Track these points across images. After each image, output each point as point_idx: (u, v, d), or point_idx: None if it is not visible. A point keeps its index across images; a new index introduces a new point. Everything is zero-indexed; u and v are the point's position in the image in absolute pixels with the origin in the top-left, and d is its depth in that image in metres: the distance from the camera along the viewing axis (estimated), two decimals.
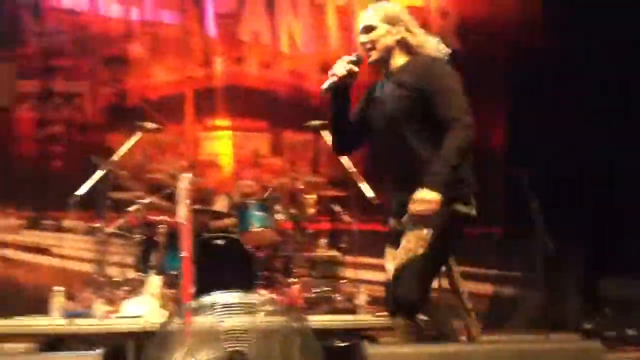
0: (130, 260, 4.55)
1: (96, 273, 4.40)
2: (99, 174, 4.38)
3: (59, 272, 5.29)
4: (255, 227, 4.48)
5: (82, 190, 4.29)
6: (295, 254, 4.53)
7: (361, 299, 4.32)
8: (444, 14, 5.91)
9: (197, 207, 4.43)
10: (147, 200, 4.52)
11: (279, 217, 4.59)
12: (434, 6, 5.98)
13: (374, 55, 2.79)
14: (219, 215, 4.85)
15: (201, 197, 4.89)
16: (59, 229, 5.38)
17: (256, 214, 4.51)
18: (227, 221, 4.73)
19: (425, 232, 2.60)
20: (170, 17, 5.73)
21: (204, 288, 3.99)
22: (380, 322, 3.72)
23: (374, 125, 2.80)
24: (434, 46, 2.80)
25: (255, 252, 4.40)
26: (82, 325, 3.79)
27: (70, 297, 4.25)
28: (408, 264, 2.59)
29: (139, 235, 4.48)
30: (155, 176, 4.94)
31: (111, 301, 4.15)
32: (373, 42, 2.79)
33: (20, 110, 5.47)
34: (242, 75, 5.77)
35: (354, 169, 4.45)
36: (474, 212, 2.69)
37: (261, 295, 1.99)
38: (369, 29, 2.80)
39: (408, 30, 2.79)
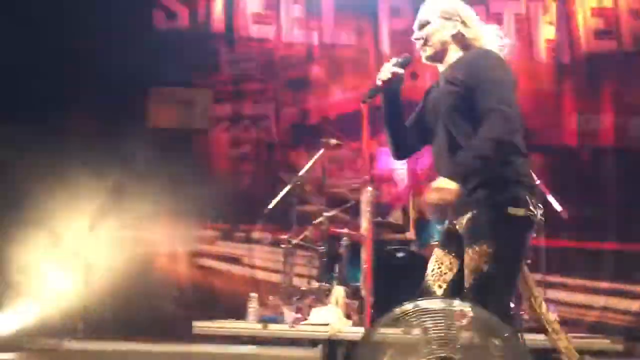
0: (315, 271, 4.79)
1: (284, 283, 4.69)
2: (286, 189, 4.69)
3: (250, 281, 5.71)
4: (436, 241, 4.49)
5: (272, 204, 4.62)
6: None
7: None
8: (635, 13, 5.51)
9: (376, 220, 4.56)
10: (330, 214, 4.74)
11: None
12: (624, 7, 5.61)
13: (428, 51, 2.63)
14: (397, 228, 4.94)
15: (378, 210, 5.01)
16: (249, 241, 5.81)
17: (437, 228, 4.52)
18: (408, 235, 4.80)
19: (487, 246, 2.33)
20: (347, 38, 5.97)
21: (384, 299, 4.14)
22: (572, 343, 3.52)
23: (430, 127, 2.60)
24: (492, 38, 2.58)
25: None
26: (276, 329, 4.08)
27: (261, 303, 4.56)
28: (478, 284, 2.33)
29: (322, 247, 4.70)
30: (336, 190, 5.17)
31: (299, 309, 4.40)
32: (427, 37, 2.63)
33: (216, 132, 6.01)
34: (416, 90, 5.82)
35: (538, 181, 4.29)
36: (535, 215, 2.37)
37: (462, 304, 1.96)
38: (423, 24, 2.63)
39: (464, 24, 2.59)
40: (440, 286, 2.54)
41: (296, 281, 4.86)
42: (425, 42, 2.63)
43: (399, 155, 2.87)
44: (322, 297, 4.47)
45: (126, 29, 5.63)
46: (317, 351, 2.53)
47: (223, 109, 6.02)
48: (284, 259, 4.72)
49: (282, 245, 4.73)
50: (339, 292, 4.37)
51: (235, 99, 6.01)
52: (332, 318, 4.20)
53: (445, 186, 2.33)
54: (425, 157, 5.80)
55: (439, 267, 2.57)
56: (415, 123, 2.74)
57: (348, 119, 5.89)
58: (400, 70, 2.66)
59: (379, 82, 2.68)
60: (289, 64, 6.00)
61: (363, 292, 4.24)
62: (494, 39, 2.60)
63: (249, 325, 4.25)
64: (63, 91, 5.51)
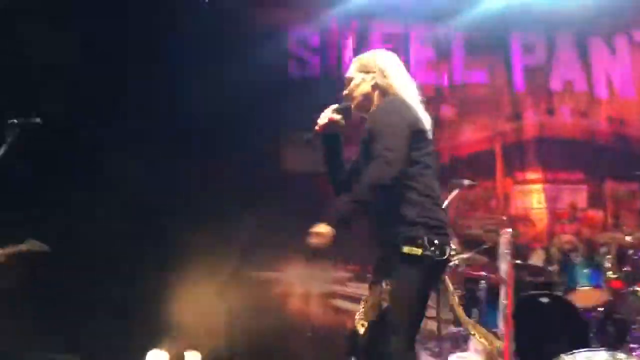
0: (451, 315, 4.66)
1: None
2: None
3: None
4: (583, 285, 4.23)
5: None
6: (631, 317, 4.13)
7: None
8: None
9: (516, 262, 4.38)
10: (466, 256, 4.62)
11: (610, 275, 4.26)
12: None
13: (353, 103, 2.86)
14: (537, 271, 4.71)
15: (516, 252, 4.82)
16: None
17: (584, 272, 4.26)
18: (551, 278, 4.56)
19: (385, 283, 2.52)
20: (479, 77, 5.91)
21: (526, 346, 3.94)
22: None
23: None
24: (404, 84, 2.78)
25: (584, 313, 4.15)
26: None
27: None
28: (377, 321, 2.49)
29: (458, 290, 4.58)
30: (470, 232, 5.04)
31: (436, 354, 4.29)
32: (350, 92, 2.88)
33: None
34: (554, 126, 5.63)
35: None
36: (432, 255, 2.47)
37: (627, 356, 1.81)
38: (348, 81, 2.89)
39: (382, 74, 2.79)
40: (362, 325, 2.62)
41: (431, 325, 4.75)
42: (350, 95, 2.89)
43: (337, 193, 2.96)
44: (460, 342, 4.33)
45: (263, 80, 5.95)
46: None
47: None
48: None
49: None
50: (478, 337, 4.20)
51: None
52: None
53: (321, 231, 2.55)
54: (565, 195, 5.55)
55: (363, 305, 2.69)
56: (353, 166, 2.92)
57: (480, 158, 5.78)
58: (337, 117, 2.87)
59: (316, 127, 2.87)
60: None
61: (503, 338, 4.07)
62: (406, 84, 2.82)
63: None
64: (215, 138, 5.88)
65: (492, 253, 4.60)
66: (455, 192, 4.77)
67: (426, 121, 2.80)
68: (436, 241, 2.54)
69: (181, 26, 5.80)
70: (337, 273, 5.94)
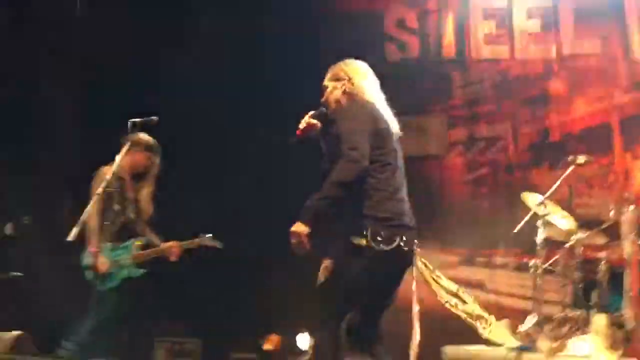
0: (568, 298, 4.47)
1: (534, 310, 4.44)
2: (531, 212, 4.47)
3: (495, 307, 5.52)
4: None
5: (518, 228, 4.43)
6: None
7: None
8: None
9: None
10: (582, 236, 4.40)
11: None
12: None
13: (329, 109, 3.08)
14: None
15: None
16: (491, 265, 5.64)
17: None
18: None
19: (327, 262, 2.81)
20: (590, 46, 5.57)
21: None
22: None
23: None
24: (370, 88, 3.07)
25: None
26: (531, 359, 3.88)
27: (512, 331, 4.38)
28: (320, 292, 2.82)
29: (576, 273, 4.38)
30: (586, 211, 4.80)
31: (554, 338, 4.13)
32: (325, 100, 3.14)
33: (451, 157, 5.99)
34: None
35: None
36: (378, 245, 2.69)
37: None
38: (324, 89, 3.17)
39: (350, 81, 3.08)
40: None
41: (548, 308, 4.57)
42: (325, 102, 3.14)
43: None
44: (580, 326, 4.15)
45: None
46: None
47: (458, 133, 5.98)
48: (533, 285, 4.48)
49: (531, 271, 4.50)
50: (600, 321, 4.00)
51: (471, 122, 5.94)
52: (593, 349, 3.87)
53: (295, 229, 2.72)
54: None
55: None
56: (322, 165, 3.06)
57: (595, 133, 5.46)
58: (314, 121, 3.10)
59: (297, 131, 3.11)
60: (525, 81, 5.77)
61: (628, 322, 3.86)
62: (372, 89, 3.10)
63: (501, 354, 4.10)
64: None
65: (612, 232, 4.37)
66: (569, 170, 4.57)
67: (390, 122, 3.06)
68: (383, 233, 2.76)
69: (276, 10, 5.88)
70: (446, 257, 5.85)
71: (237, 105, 5.87)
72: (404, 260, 2.89)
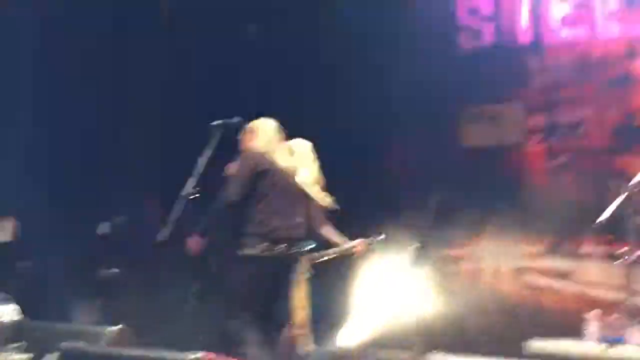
0: None
1: (624, 301, 4.28)
2: (620, 198, 4.30)
3: (582, 297, 5.36)
4: None
5: (605, 215, 4.28)
6: None
7: None
8: None
9: None
10: None
11: None
12: None
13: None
14: None
15: None
16: (578, 255, 5.47)
17: None
18: None
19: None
20: None
21: None
22: None
23: None
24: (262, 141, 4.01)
25: None
26: (622, 352, 3.75)
27: (601, 323, 4.25)
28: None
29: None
30: None
31: None
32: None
33: (531, 145, 5.84)
34: None
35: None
36: (257, 253, 3.68)
37: None
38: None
39: (255, 134, 4.11)
40: None
41: (638, 299, 4.39)
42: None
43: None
44: None
45: (432, 53, 5.88)
46: None
47: (537, 120, 5.81)
48: (624, 275, 4.31)
49: (620, 260, 4.33)
50: None
51: (550, 109, 5.75)
52: None
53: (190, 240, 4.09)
54: None
55: None
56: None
57: None
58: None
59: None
60: (607, 63, 5.52)
61: None
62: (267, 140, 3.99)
63: (591, 347, 3.99)
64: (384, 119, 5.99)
65: None
66: None
67: (271, 162, 3.91)
68: (263, 244, 3.69)
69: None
70: (530, 247, 5.72)
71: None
72: (281, 265, 3.77)
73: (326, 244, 4.25)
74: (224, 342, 4.05)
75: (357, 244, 4.26)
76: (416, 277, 5.03)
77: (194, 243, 3.96)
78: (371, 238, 4.28)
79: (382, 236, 4.32)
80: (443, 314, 5.57)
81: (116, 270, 5.72)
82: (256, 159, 3.87)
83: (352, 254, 4.29)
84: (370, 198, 5.83)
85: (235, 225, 3.70)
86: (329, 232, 4.25)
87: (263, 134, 4.03)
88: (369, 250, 4.32)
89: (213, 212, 3.90)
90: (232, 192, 3.78)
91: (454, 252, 5.96)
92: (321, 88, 6.13)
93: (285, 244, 3.75)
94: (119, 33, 6.55)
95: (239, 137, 4.10)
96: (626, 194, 4.27)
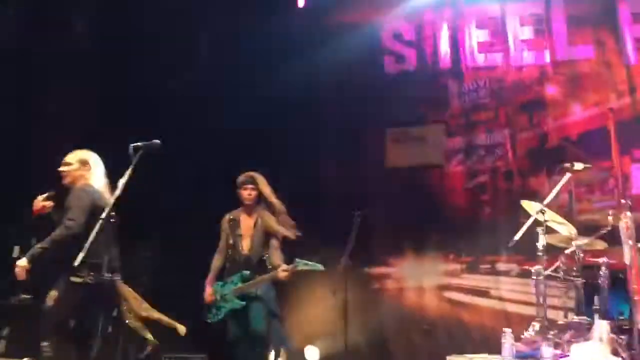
0: (570, 303, 4.49)
1: (537, 316, 4.46)
2: (532, 218, 4.50)
3: (499, 313, 5.55)
4: None
5: (518, 235, 4.45)
6: None
7: None
8: None
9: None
10: (582, 242, 4.42)
11: None
12: None
13: (65, 181, 4.24)
14: None
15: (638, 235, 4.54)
16: (495, 272, 5.67)
17: None
18: None
19: (53, 292, 3.95)
20: (584, 52, 5.61)
21: None
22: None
23: None
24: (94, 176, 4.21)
25: None
26: None
27: (516, 338, 4.39)
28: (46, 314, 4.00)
29: (578, 278, 4.40)
30: (586, 217, 4.82)
31: (557, 344, 4.15)
32: (66, 174, 4.25)
33: (451, 166, 6.03)
34: None
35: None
36: (87, 281, 3.89)
37: None
38: (66, 165, 4.23)
39: (88, 167, 4.23)
40: None
41: (551, 314, 4.59)
42: (64, 175, 4.24)
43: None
44: (582, 331, 4.17)
45: (359, 75, 6.00)
46: None
47: (457, 142, 6.03)
48: (535, 291, 4.50)
49: (533, 277, 4.52)
50: (602, 326, 4.03)
51: (468, 131, 5.99)
52: (596, 355, 3.89)
53: (18, 264, 3.92)
54: None
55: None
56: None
57: (592, 138, 5.49)
58: (47, 203, 4.12)
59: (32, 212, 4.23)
60: (521, 87, 5.82)
61: (634, 327, 3.87)
62: (97, 175, 4.20)
63: None
64: (312, 139, 6.02)
65: (612, 238, 4.39)
66: (567, 176, 4.58)
67: (103, 199, 4.04)
68: (92, 273, 3.90)
69: (274, 26, 5.93)
70: (449, 265, 5.88)
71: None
72: (104, 290, 4.01)
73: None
74: None
75: (280, 270, 4.31)
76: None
77: (20, 269, 3.91)
78: (293, 264, 4.31)
79: (306, 262, 4.36)
80: (366, 331, 5.64)
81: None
82: (95, 195, 4.11)
83: (278, 279, 4.35)
84: (299, 219, 5.84)
85: (67, 254, 3.80)
86: (277, 259, 4.40)
87: (97, 168, 4.25)
88: (293, 274, 4.35)
89: (50, 242, 3.94)
90: (78, 223, 3.98)
91: (377, 270, 6.05)
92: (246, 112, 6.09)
93: (111, 273, 4.05)
94: None
95: (66, 169, 4.21)
96: (536, 214, 4.46)
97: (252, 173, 4.54)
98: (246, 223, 4.52)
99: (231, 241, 4.53)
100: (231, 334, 4.48)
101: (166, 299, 5.62)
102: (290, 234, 4.46)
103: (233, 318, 4.48)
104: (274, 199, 4.51)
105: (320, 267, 4.36)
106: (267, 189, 4.52)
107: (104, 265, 3.95)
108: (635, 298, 3.80)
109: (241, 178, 4.53)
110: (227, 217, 4.58)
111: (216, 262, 4.62)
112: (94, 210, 3.98)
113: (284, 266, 4.31)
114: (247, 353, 4.47)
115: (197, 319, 4.71)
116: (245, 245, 4.50)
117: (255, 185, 4.50)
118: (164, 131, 3.97)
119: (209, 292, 4.55)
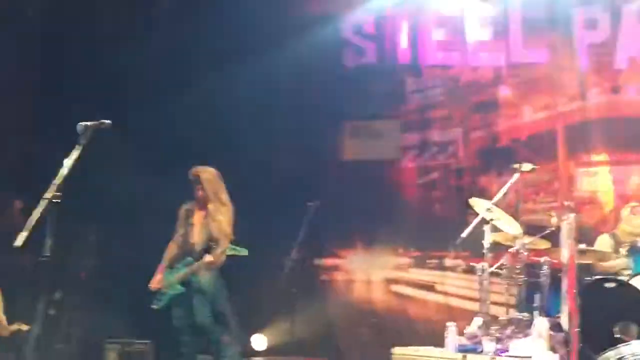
0: (512, 299, 4.62)
1: (480, 311, 4.57)
2: (479, 217, 4.60)
3: (445, 308, 5.66)
4: None
5: (466, 232, 4.55)
6: None
7: None
8: None
9: (581, 247, 4.29)
10: (526, 241, 4.55)
11: None
12: None
13: None
14: (603, 256, 4.60)
15: (581, 236, 4.70)
16: (442, 268, 5.78)
17: None
18: (615, 263, 4.44)
19: None
20: (538, 56, 5.74)
21: (591, 333, 3.87)
22: None
23: None
24: None
25: None
26: None
27: (459, 332, 4.50)
28: None
29: (520, 276, 4.52)
30: (532, 217, 4.96)
31: (499, 339, 4.27)
32: None
33: (405, 161, 6.10)
34: (620, 105, 5.43)
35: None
36: None
37: None
38: None
39: None
40: None
41: (494, 310, 4.71)
42: None
43: None
44: (523, 328, 4.29)
45: (317, 68, 5.99)
46: None
47: (411, 138, 6.10)
48: (480, 287, 4.61)
49: (478, 274, 4.63)
50: (541, 323, 4.16)
51: (423, 127, 6.06)
52: (535, 351, 4.02)
53: None
54: (635, 175, 5.38)
55: None
56: None
57: (541, 140, 5.65)
58: None
59: None
60: (475, 87, 5.92)
61: (567, 325, 4.01)
62: None
63: (448, 355, 4.22)
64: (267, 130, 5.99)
65: (556, 238, 4.53)
66: (516, 176, 4.70)
67: None
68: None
69: (228, 13, 5.87)
70: (398, 259, 5.97)
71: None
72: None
73: None
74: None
75: (206, 256, 4.40)
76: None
77: None
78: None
79: (233, 247, 4.41)
80: (314, 322, 5.67)
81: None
82: None
83: (208, 265, 4.41)
84: (253, 208, 5.82)
85: None
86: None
87: None
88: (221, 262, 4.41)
89: None
90: None
91: (326, 261, 6.09)
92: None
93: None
94: None
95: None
96: (483, 213, 4.56)
97: (199, 170, 4.54)
98: (198, 214, 4.58)
99: (184, 229, 4.54)
100: (175, 321, 4.49)
101: (114, 285, 5.55)
102: (219, 248, 4.44)
103: (176, 306, 4.49)
104: (210, 204, 4.50)
105: (245, 251, 4.43)
106: (210, 189, 4.51)
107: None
108: (568, 296, 3.91)
109: (190, 174, 4.55)
110: (184, 207, 4.64)
111: (169, 249, 4.64)
112: None
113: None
114: (192, 340, 4.49)
115: (143, 305, 4.66)
116: (194, 234, 4.55)
117: (200, 184, 4.52)
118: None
119: (156, 278, 4.54)
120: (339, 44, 6.17)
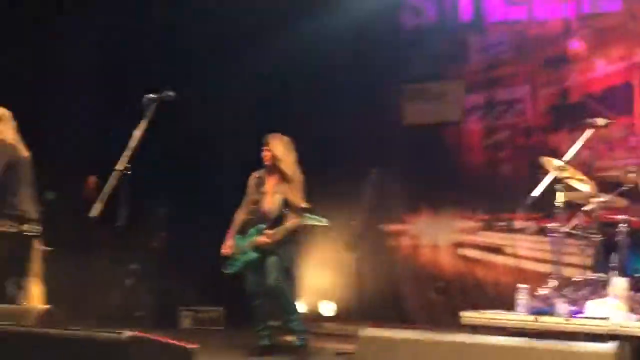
0: (588, 260, 4.46)
1: (554, 273, 4.43)
2: (551, 175, 4.43)
3: (514, 271, 5.53)
4: None
5: (537, 192, 4.40)
6: None
7: None
8: None
9: None
10: (602, 199, 4.36)
11: None
12: None
13: None
14: None
15: None
16: (511, 230, 5.63)
17: None
18: None
19: None
20: (611, 4, 5.42)
21: None
22: None
23: None
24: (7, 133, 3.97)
25: None
26: (548, 322, 3.89)
27: (531, 295, 4.38)
28: None
29: (596, 235, 4.35)
30: (607, 174, 4.74)
31: (573, 301, 4.14)
32: None
33: (469, 123, 5.93)
34: None
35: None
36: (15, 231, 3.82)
37: None
38: None
39: None
40: None
41: (567, 271, 4.57)
42: None
43: None
44: (598, 289, 4.14)
45: (374, 30, 5.87)
46: (611, 348, 2.33)
47: (476, 99, 5.91)
48: (552, 249, 4.47)
49: (550, 234, 4.48)
50: (619, 283, 4.00)
51: (488, 87, 5.86)
52: (612, 312, 3.87)
53: None
54: None
55: None
56: None
57: (615, 94, 5.36)
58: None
59: None
60: (544, 42, 5.65)
61: None
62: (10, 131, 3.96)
63: (520, 318, 4.13)
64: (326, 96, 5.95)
65: (633, 195, 4.32)
66: (589, 132, 4.49)
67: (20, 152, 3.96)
68: (17, 223, 3.85)
69: None
70: (465, 223, 5.85)
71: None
72: (23, 241, 3.95)
73: None
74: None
75: (287, 223, 4.47)
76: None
77: None
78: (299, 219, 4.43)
79: (312, 217, 4.43)
80: (381, 288, 5.67)
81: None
82: (9, 151, 3.98)
83: (287, 231, 4.48)
84: (312, 175, 5.83)
85: None
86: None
87: (9, 122, 4.04)
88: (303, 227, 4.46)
89: None
90: None
91: (392, 227, 6.04)
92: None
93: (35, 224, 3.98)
94: None
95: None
96: (553, 171, 4.39)
97: (269, 137, 4.60)
98: (270, 182, 4.63)
99: (255, 197, 4.59)
100: (248, 287, 4.56)
101: (186, 252, 5.71)
102: (295, 208, 4.47)
103: (249, 271, 4.56)
104: (282, 165, 4.52)
105: (325, 221, 4.45)
106: (279, 152, 4.54)
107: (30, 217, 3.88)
108: None
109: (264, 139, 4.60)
110: (254, 174, 4.69)
111: (238, 216, 4.72)
112: (11, 164, 3.93)
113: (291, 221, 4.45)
114: (264, 306, 4.56)
115: (215, 272, 4.77)
116: (266, 201, 4.61)
117: (268, 147, 4.53)
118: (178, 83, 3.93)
119: (228, 244, 4.64)
120: (396, 5, 6.01)
